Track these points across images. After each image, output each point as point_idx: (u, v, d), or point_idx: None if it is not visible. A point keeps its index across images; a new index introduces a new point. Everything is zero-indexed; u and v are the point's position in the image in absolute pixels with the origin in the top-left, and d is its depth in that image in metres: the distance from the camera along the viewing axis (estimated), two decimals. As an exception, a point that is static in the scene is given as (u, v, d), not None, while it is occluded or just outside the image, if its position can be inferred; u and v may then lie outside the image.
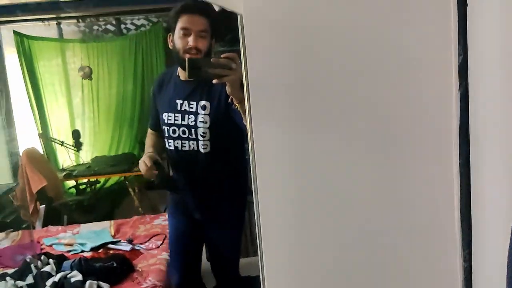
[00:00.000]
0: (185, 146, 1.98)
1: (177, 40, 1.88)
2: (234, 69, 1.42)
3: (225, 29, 3.44)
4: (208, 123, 1.92)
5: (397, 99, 0.94)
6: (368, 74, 0.93)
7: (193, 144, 1.96)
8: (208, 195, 2.09)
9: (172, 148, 2.01)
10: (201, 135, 1.93)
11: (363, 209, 0.98)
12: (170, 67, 2.17)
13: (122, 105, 5.19)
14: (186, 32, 1.84)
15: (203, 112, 1.92)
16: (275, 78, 0.88)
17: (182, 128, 1.97)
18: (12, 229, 3.34)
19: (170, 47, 1.94)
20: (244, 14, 0.85)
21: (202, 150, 1.95)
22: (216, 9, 2.72)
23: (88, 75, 2.07)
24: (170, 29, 1.92)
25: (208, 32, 1.87)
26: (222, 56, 1.44)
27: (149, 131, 2.25)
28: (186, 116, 1.95)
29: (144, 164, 1.96)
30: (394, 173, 0.97)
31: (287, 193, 0.93)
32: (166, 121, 2.01)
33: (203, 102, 1.92)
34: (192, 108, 1.94)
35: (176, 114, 1.97)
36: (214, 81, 1.46)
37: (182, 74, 1.99)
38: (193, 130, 1.94)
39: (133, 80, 5.17)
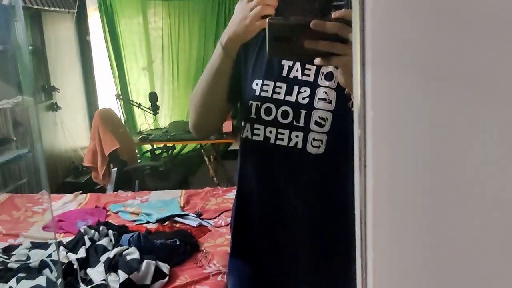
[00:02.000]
0: (282, 139, 1.11)
1: None
2: (351, 43, 0.77)
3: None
4: (333, 103, 1.08)
5: None
6: None
7: (297, 136, 1.11)
8: (316, 239, 1.18)
9: (260, 138, 1.13)
10: (316, 123, 1.09)
11: None
12: None
13: (202, 68, 4.89)
14: None
15: (327, 83, 1.08)
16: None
17: (283, 108, 1.11)
18: (81, 191, 3.19)
19: None
20: None
21: (311, 150, 1.10)
22: None
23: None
24: None
25: None
26: (332, 16, 0.83)
27: None
28: (296, 87, 1.11)
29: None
30: None
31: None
32: (257, 93, 1.14)
33: (329, 68, 1.08)
34: (308, 76, 1.10)
35: (278, 84, 1.12)
36: (317, 62, 0.87)
37: None
38: (303, 113, 1.10)
39: (215, 43, 4.85)
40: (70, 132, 4.57)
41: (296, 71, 1.11)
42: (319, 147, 1.09)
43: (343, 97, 1.02)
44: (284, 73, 1.11)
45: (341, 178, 1.14)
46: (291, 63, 1.11)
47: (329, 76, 1.08)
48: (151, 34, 5.03)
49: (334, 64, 0.88)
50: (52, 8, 4.24)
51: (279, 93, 1.11)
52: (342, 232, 1.03)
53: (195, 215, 2.73)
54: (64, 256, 1.97)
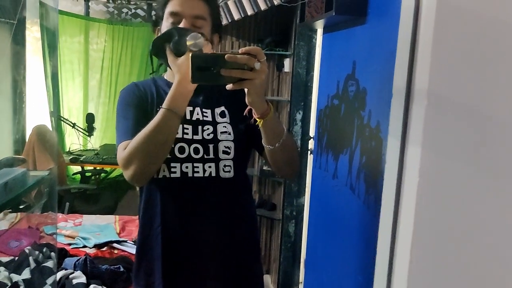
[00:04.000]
0: (197, 172, 1.30)
1: (164, 30, 1.29)
2: (258, 71, 1.02)
3: (265, 29, 3.20)
4: (232, 134, 1.33)
5: None
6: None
7: (210, 167, 1.31)
8: (232, 254, 1.37)
9: (178, 175, 1.29)
10: (223, 152, 1.31)
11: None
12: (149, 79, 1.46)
13: (140, 94, 4.95)
14: (176, 19, 1.27)
15: (223, 120, 1.35)
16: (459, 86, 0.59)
17: (194, 145, 1.30)
18: (10, 209, 3.06)
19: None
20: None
21: (223, 175, 1.31)
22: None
23: (199, 47, 1.28)
24: (156, 22, 1.37)
25: (208, 21, 1.31)
26: (240, 51, 1.02)
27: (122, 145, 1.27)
28: (200, 127, 1.32)
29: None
30: None
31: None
32: None
33: (221, 108, 1.36)
34: (206, 116, 1.34)
35: (186, 126, 1.31)
36: (229, 87, 1.04)
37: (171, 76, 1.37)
38: (211, 147, 1.31)
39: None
40: (-6, 146, 4.34)
41: (197, 114, 1.34)
42: (229, 171, 1.32)
43: (237, 129, 1.34)
44: (188, 117, 1.33)
45: (247, 194, 1.46)
46: (191, 108, 1.34)
47: (223, 114, 1.36)
48: (91, 55, 5.00)
49: (244, 87, 1.06)
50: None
51: (187, 133, 1.31)
52: (250, 241, 1.41)
53: (133, 243, 2.74)
54: (5, 276, 1.92)
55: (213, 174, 1.31)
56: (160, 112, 1.15)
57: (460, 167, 0.55)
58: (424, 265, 0.59)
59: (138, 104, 1.31)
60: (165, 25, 1.29)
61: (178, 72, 1.16)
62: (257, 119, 1.14)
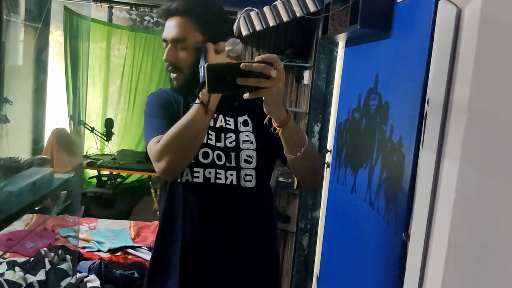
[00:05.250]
0: (220, 178, 1.31)
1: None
2: (275, 78, 1.01)
3: (286, 40, 3.21)
4: (254, 143, 1.33)
5: None
6: None
7: (231, 175, 1.31)
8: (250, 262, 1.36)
9: (200, 180, 1.29)
10: (245, 161, 1.32)
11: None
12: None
13: (159, 101, 4.99)
14: (166, 44, 1.29)
15: (246, 128, 1.35)
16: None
17: (217, 152, 1.31)
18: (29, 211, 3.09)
19: None
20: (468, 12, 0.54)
21: (244, 185, 1.31)
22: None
23: (237, 53, 1.28)
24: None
25: (194, 37, 1.26)
26: (256, 59, 1.02)
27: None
28: (223, 135, 1.33)
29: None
30: None
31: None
32: None
33: (243, 117, 1.36)
34: (229, 124, 1.35)
35: (210, 132, 1.32)
36: (246, 96, 1.04)
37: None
38: (233, 155, 1.32)
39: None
40: (14, 146, 4.41)
41: (220, 121, 1.34)
42: (250, 181, 1.32)
43: (260, 137, 1.33)
44: (212, 124, 1.32)
45: (269, 205, 1.43)
46: (215, 115, 1.32)
47: (245, 123, 1.36)
48: (112, 61, 5.06)
49: (261, 96, 1.05)
50: (14, 19, 4.17)
51: (211, 140, 1.31)
52: (269, 253, 1.40)
53: (147, 249, 2.75)
54: (20, 277, 1.93)
55: (234, 183, 1.30)
56: (194, 107, 1.15)
57: (498, 185, 0.53)
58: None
59: (167, 106, 1.32)
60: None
61: None
62: (277, 128, 1.13)
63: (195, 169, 1.29)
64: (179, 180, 1.30)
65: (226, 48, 1.17)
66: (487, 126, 0.51)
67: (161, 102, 1.34)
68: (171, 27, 1.27)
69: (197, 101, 1.15)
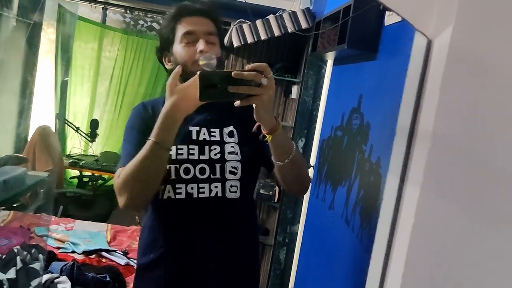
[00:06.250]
0: (203, 192, 1.29)
1: (179, 52, 1.29)
2: (265, 86, 1.03)
3: (277, 54, 3.24)
4: (239, 154, 1.33)
5: None
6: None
7: (216, 187, 1.30)
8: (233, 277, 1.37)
9: (183, 196, 1.29)
10: (230, 172, 1.31)
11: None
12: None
13: (146, 106, 4.98)
14: (191, 38, 1.28)
15: (231, 139, 1.34)
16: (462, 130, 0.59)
17: (200, 166, 1.30)
18: (4, 207, 3.05)
19: (168, 67, 1.36)
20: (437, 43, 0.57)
21: (229, 196, 1.31)
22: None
23: (212, 67, 1.29)
24: (164, 47, 1.36)
25: (217, 37, 1.33)
26: (247, 67, 1.04)
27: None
28: (207, 147, 1.32)
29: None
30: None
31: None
32: (173, 157, 1.30)
33: (229, 128, 1.36)
34: (214, 136, 1.34)
35: (191, 146, 1.31)
36: (237, 104, 1.06)
37: None
38: (217, 167, 1.31)
39: (164, 86, 4.97)
40: (-4, 142, 4.35)
41: (204, 134, 1.34)
42: (236, 192, 1.32)
43: (245, 149, 1.34)
44: (194, 137, 1.33)
45: (252, 215, 1.45)
46: (198, 128, 1.35)
47: (231, 134, 1.36)
48: (103, 62, 5.04)
49: (252, 103, 1.07)
50: (6, 14, 4.15)
51: (193, 154, 1.31)
52: (252, 263, 1.42)
53: (122, 253, 2.72)
54: (-10, 274, 1.90)
55: (219, 194, 1.30)
56: (148, 144, 1.15)
57: (458, 213, 0.55)
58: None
59: (141, 129, 1.29)
60: (179, 46, 1.29)
61: (173, 97, 1.13)
62: (266, 135, 1.15)
63: (177, 185, 1.29)
64: (160, 197, 1.29)
65: (201, 63, 1.20)
66: (449, 153, 0.53)
67: (136, 124, 1.33)
68: (201, 22, 1.30)
69: (151, 137, 1.14)
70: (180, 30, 1.30)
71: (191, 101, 1.12)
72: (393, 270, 0.57)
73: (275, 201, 3.03)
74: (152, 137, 1.14)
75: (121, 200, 1.19)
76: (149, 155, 1.14)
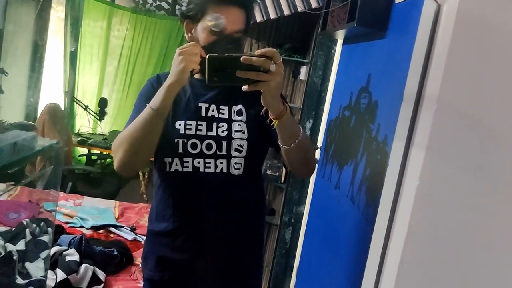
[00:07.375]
0: (209, 167, 1.34)
1: (201, 34, 1.28)
2: (273, 73, 1.04)
3: (286, 35, 3.22)
4: (246, 133, 1.35)
5: None
6: None
7: (222, 163, 1.34)
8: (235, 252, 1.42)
9: (190, 169, 1.33)
10: (235, 150, 1.34)
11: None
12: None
13: (154, 85, 4.99)
14: (218, 33, 1.27)
15: (239, 118, 1.37)
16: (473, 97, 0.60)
17: (207, 141, 1.34)
18: (14, 183, 3.09)
19: (188, 39, 1.35)
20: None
21: (233, 172, 1.35)
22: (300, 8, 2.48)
23: (220, 27, 1.26)
24: (192, 16, 1.32)
25: (243, 32, 1.32)
26: (256, 53, 1.04)
27: None
28: (215, 124, 1.35)
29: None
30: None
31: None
32: (181, 132, 1.34)
33: (238, 107, 1.38)
34: (223, 114, 1.37)
35: (200, 122, 1.34)
36: (244, 88, 1.07)
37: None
38: (224, 143, 1.34)
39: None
40: (7, 119, 4.39)
41: (212, 111, 1.37)
42: (239, 169, 1.35)
43: (252, 128, 1.36)
44: (203, 113, 1.36)
45: (258, 192, 1.48)
46: (207, 105, 1.37)
47: (239, 113, 1.38)
48: (111, 41, 5.04)
49: (259, 89, 1.08)
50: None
51: (201, 130, 1.34)
52: (255, 238, 1.46)
53: (130, 229, 2.76)
54: (0, 246, 1.93)
55: (224, 170, 1.34)
56: (145, 110, 1.18)
57: (461, 174, 0.56)
58: (413, 273, 0.59)
59: (149, 98, 1.29)
60: (203, 31, 1.27)
61: (176, 74, 1.15)
62: (273, 120, 1.15)
63: (185, 159, 1.33)
64: (167, 170, 1.33)
65: (209, 24, 1.19)
66: (454, 118, 0.53)
67: (146, 94, 1.36)
68: (232, 16, 1.26)
69: (150, 104, 1.18)
70: (210, 16, 1.25)
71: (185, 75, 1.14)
72: (397, 232, 0.58)
73: (282, 182, 3.05)
74: (151, 104, 1.18)
75: (114, 162, 1.25)
76: (142, 119, 1.19)
